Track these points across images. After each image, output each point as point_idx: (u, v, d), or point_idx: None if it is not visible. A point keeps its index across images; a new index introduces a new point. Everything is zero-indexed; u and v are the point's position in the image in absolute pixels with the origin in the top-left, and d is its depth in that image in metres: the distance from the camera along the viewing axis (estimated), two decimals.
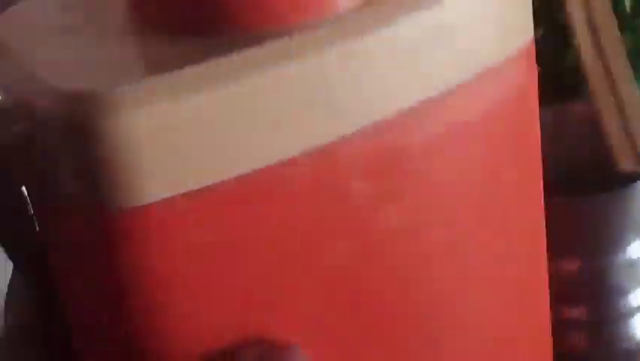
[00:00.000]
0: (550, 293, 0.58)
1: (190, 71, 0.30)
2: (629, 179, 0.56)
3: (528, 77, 0.38)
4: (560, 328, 0.59)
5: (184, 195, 0.31)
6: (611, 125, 0.54)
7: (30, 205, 0.36)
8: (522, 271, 0.44)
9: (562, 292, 0.59)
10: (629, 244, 0.58)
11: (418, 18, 0.35)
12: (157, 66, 0.31)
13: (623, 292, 0.59)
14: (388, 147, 0.35)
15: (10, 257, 0.37)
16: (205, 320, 0.33)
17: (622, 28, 0.73)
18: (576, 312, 0.60)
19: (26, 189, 0.35)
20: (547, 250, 0.58)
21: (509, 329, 0.44)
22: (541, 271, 0.44)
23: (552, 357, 0.47)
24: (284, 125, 0.33)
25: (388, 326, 0.39)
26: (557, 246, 0.56)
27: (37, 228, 0.37)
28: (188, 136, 0.31)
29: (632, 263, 0.58)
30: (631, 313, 0.59)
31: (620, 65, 0.52)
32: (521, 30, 0.37)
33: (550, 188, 0.51)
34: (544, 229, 0.43)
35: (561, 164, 0.56)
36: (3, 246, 0.36)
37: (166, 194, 0.31)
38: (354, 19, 0.34)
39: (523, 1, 0.37)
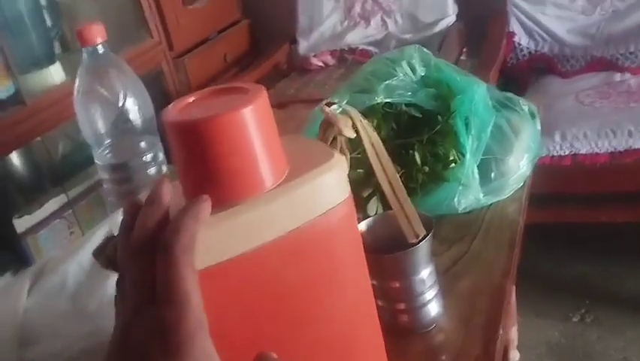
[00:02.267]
0: (389, 299, 0.61)
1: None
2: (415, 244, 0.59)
3: (350, 207, 0.41)
4: (394, 314, 0.63)
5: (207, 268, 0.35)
6: (401, 220, 0.58)
7: None
8: (363, 298, 0.44)
9: (393, 297, 0.62)
10: (420, 271, 0.61)
11: (292, 194, 0.37)
12: None
13: (421, 294, 0.62)
14: (285, 244, 0.37)
15: None
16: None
17: (415, 172, 0.79)
18: (401, 305, 0.62)
19: None
20: (384, 278, 0.60)
21: (357, 327, 0.43)
22: (370, 297, 0.45)
23: (383, 339, 0.46)
24: (244, 237, 0.36)
25: (291, 330, 0.39)
26: (388, 276, 0.61)
27: None
28: (210, 242, 0.35)
29: (423, 280, 0.61)
30: (425, 304, 0.62)
31: (401, 193, 0.57)
32: (345, 189, 0.40)
33: (384, 249, 0.57)
34: (369, 280, 0.44)
35: (385, 239, 0.60)
36: None
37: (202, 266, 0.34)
38: (268, 196, 0.37)
39: (344, 178, 0.40)
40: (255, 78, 2.01)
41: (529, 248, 0.91)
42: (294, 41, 2.34)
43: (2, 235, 1.39)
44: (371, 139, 0.55)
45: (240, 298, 0.37)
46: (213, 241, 0.35)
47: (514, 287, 1.48)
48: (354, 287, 0.42)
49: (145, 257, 0.32)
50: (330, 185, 0.39)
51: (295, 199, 0.37)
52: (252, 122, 0.36)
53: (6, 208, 1.43)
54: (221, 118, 0.36)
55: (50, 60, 1.55)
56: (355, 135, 0.49)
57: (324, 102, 0.49)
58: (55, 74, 1.53)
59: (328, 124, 0.49)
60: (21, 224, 1.44)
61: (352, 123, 0.50)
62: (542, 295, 1.77)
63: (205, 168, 0.36)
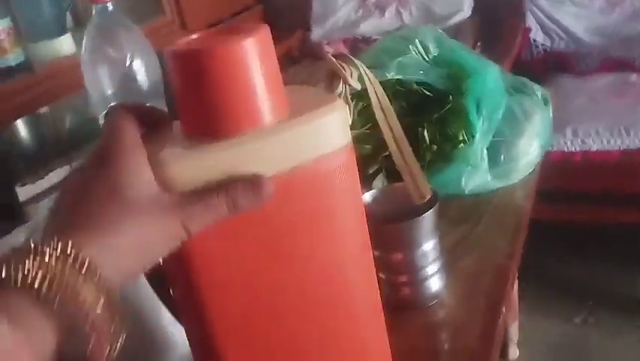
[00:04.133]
0: (391, 271, 0.60)
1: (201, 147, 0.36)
2: (421, 213, 0.58)
3: (350, 156, 0.39)
4: (396, 287, 0.62)
5: None
6: (407, 179, 0.56)
7: None
8: (360, 257, 0.42)
9: (395, 269, 0.61)
10: (423, 243, 0.60)
11: (290, 132, 0.36)
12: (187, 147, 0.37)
13: (424, 267, 0.61)
14: (280, 184, 0.36)
15: None
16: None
17: (423, 151, 0.78)
18: (403, 278, 0.62)
19: None
20: (387, 249, 0.59)
21: (354, 285, 0.42)
22: (369, 258, 0.42)
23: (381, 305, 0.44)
24: (237, 172, 0.35)
25: (282, 276, 0.39)
26: (391, 247, 0.60)
27: None
28: (198, 171, 0.35)
29: (426, 253, 0.61)
30: (428, 278, 0.62)
31: (407, 151, 0.55)
32: (345, 136, 0.39)
33: (387, 219, 0.56)
34: (368, 240, 0.42)
35: (390, 211, 0.59)
36: None
37: None
38: (265, 132, 0.36)
39: (345, 124, 0.39)
40: None
41: (535, 247, 0.89)
42: (307, 29, 2.34)
43: (4, 202, 1.38)
44: (377, 92, 0.53)
45: (229, 235, 0.36)
46: (204, 173, 0.34)
47: (516, 281, 1.47)
48: (352, 242, 0.41)
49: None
50: (330, 128, 0.38)
51: (293, 137, 0.37)
52: (253, 55, 0.36)
53: (10, 176, 1.43)
54: (220, 48, 0.35)
55: (61, 31, 1.55)
56: (361, 87, 0.48)
57: (331, 53, 0.48)
58: (65, 44, 1.52)
59: (333, 74, 0.48)
60: (23, 193, 1.44)
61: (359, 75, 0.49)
62: (546, 294, 1.75)
63: (202, 99, 0.36)
